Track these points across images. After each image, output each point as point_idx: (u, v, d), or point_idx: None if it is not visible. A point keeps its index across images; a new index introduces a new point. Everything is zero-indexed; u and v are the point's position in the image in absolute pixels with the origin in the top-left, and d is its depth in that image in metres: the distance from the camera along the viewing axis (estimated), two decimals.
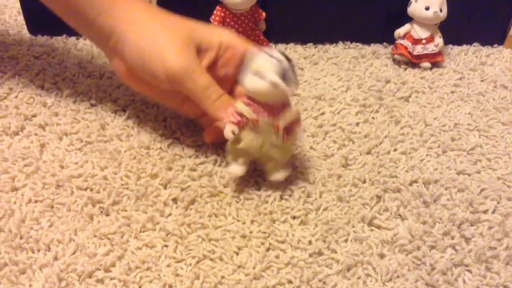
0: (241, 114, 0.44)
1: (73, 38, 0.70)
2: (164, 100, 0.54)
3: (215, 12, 0.65)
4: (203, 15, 0.66)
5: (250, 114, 0.43)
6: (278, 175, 0.47)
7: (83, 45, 0.69)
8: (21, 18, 0.74)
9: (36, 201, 0.46)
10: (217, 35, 0.49)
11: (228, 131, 0.44)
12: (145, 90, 0.52)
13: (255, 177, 0.49)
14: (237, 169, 0.46)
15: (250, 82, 0.42)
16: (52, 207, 0.46)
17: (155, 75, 0.47)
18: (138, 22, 0.48)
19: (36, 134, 0.54)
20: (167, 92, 0.50)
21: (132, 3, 0.49)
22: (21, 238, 0.43)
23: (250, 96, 0.44)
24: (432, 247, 0.44)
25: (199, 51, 0.48)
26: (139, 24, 0.48)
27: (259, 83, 0.41)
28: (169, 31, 0.47)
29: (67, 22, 0.53)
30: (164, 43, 0.46)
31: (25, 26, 0.72)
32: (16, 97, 0.59)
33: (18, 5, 0.74)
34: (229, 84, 0.51)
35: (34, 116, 0.56)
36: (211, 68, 0.49)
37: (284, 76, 0.41)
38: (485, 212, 0.47)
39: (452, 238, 0.45)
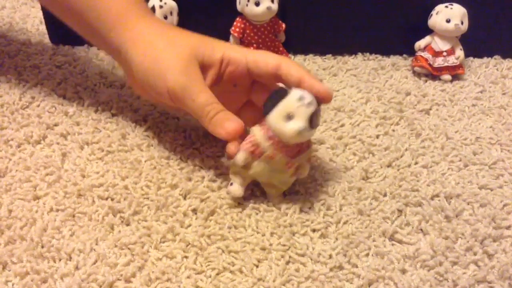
0: (258, 144, 0.44)
1: (94, 48, 0.71)
2: (179, 110, 0.54)
3: (235, 23, 0.66)
4: (224, 27, 0.67)
5: (269, 150, 0.43)
6: (277, 201, 0.48)
7: (105, 55, 0.69)
8: (43, 28, 0.75)
9: (57, 210, 0.46)
10: (218, 51, 0.48)
11: (241, 158, 0.44)
12: (158, 102, 0.53)
13: None
14: (238, 190, 0.47)
15: (277, 123, 0.42)
16: (74, 216, 0.46)
17: (158, 93, 0.48)
18: (142, 40, 0.49)
19: (58, 143, 0.54)
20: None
21: (138, 19, 0.50)
22: (42, 247, 0.43)
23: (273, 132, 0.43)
24: (455, 263, 0.43)
25: (203, 67, 0.48)
26: (143, 43, 0.48)
27: (285, 128, 0.41)
28: (173, 49, 0.47)
29: (87, 39, 0.56)
30: (166, 63, 0.47)
31: (47, 36, 0.73)
32: (38, 106, 0.60)
33: (40, 14, 0.76)
34: (240, 98, 0.52)
35: (56, 125, 0.57)
36: (218, 83, 0.49)
37: (312, 121, 0.41)
38: (508, 227, 0.46)
39: (475, 254, 0.44)
